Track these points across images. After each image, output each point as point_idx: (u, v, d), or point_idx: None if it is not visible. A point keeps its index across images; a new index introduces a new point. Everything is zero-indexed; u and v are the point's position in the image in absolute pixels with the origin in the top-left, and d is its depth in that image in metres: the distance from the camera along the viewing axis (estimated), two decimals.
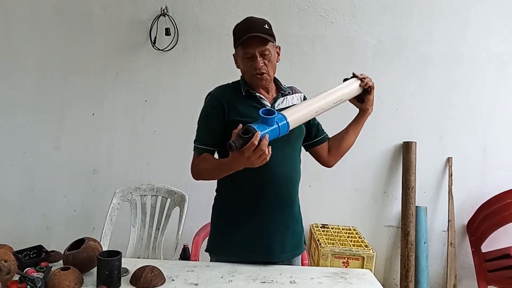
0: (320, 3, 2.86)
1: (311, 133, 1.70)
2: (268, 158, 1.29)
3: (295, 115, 1.40)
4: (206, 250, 1.68)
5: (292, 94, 1.63)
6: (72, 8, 2.86)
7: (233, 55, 1.57)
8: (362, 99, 1.64)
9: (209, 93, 1.62)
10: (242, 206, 1.58)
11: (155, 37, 2.82)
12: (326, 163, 1.76)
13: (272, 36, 1.50)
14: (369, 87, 1.60)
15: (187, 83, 2.90)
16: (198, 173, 1.57)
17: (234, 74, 2.93)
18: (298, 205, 1.67)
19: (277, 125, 1.31)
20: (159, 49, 2.84)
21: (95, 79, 2.91)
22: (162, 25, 2.81)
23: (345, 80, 1.62)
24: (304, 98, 1.66)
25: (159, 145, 2.95)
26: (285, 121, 1.35)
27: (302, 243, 1.69)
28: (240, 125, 1.29)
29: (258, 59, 1.47)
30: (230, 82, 1.64)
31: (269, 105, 1.54)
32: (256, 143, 1.24)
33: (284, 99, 1.59)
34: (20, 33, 2.88)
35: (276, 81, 1.63)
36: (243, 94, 1.55)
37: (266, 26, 1.49)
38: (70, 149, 2.96)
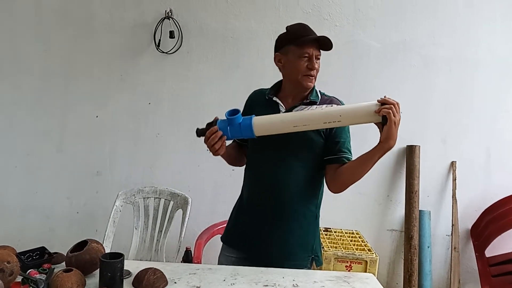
0: (324, 7, 2.86)
1: (326, 149, 1.55)
2: (219, 152, 1.47)
3: (264, 121, 1.44)
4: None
5: (322, 104, 1.55)
6: (76, 11, 2.88)
7: (276, 54, 1.56)
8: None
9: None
10: (242, 204, 1.69)
11: (159, 40, 2.82)
12: (328, 186, 1.61)
13: None
14: (385, 116, 1.31)
15: (191, 86, 2.91)
16: None
17: (238, 78, 2.95)
18: (299, 221, 1.59)
19: (238, 126, 1.43)
20: (163, 52, 2.85)
21: (98, 81, 2.92)
22: (166, 28, 2.82)
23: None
24: None
25: (163, 148, 2.95)
26: (249, 124, 1.42)
27: (299, 258, 1.60)
28: (216, 117, 1.48)
29: (314, 60, 1.50)
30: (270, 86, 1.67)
31: (284, 110, 1.55)
32: (209, 136, 1.44)
33: (305, 108, 1.54)
34: (23, 35, 2.89)
35: (312, 89, 1.59)
36: (266, 98, 1.60)
37: None
38: (73, 151, 2.96)
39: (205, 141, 1.46)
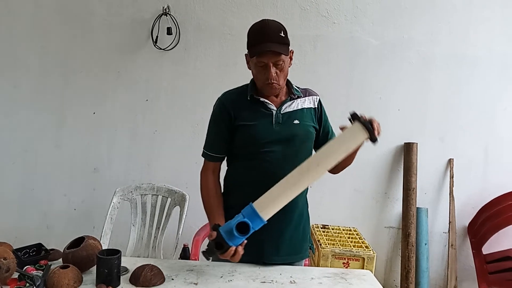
0: (322, 3, 2.86)
1: (317, 139, 1.63)
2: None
3: (272, 210, 1.33)
4: None
5: (304, 97, 1.59)
6: (74, 7, 2.86)
7: (245, 55, 1.52)
8: None
9: (218, 98, 1.63)
10: (239, 206, 1.56)
11: (157, 36, 2.81)
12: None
13: (287, 44, 1.45)
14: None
15: (188, 82, 2.90)
16: (200, 190, 1.62)
17: (235, 74, 2.94)
18: (301, 211, 1.62)
19: (252, 229, 1.30)
20: (161, 48, 2.84)
21: (96, 78, 2.91)
22: (163, 24, 2.81)
23: (353, 117, 1.31)
24: (320, 102, 1.62)
25: (160, 145, 2.95)
26: (260, 222, 1.32)
27: (303, 250, 1.65)
28: (214, 233, 1.32)
29: (271, 70, 1.43)
30: (240, 86, 1.63)
31: (275, 109, 1.53)
32: (230, 257, 1.32)
33: (292, 103, 1.56)
34: (21, 31, 2.88)
35: (288, 83, 1.60)
36: (248, 99, 1.55)
37: (282, 34, 1.43)
38: (70, 148, 2.96)
39: (224, 257, 1.34)
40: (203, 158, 1.63)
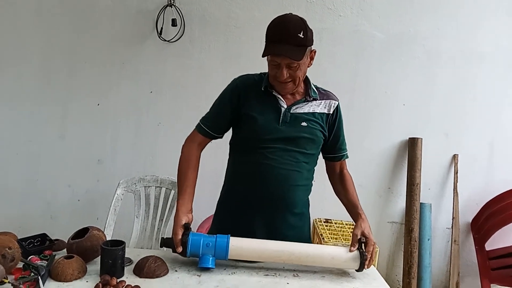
0: None
1: (327, 147, 1.63)
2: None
3: (238, 256, 1.43)
4: None
5: (321, 100, 1.55)
6: None
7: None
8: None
9: (234, 78, 1.60)
10: (236, 200, 1.60)
11: (162, 28, 2.80)
12: (328, 177, 1.80)
13: (305, 46, 1.38)
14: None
15: (193, 74, 2.89)
16: (180, 158, 1.62)
17: (239, 67, 2.92)
18: (300, 212, 1.60)
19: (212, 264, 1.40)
20: (165, 40, 2.83)
21: (100, 69, 2.90)
22: (168, 15, 2.80)
23: (361, 253, 1.47)
24: (337, 108, 1.58)
25: (164, 137, 2.95)
26: (223, 257, 1.41)
27: None
28: (180, 248, 1.39)
29: (284, 71, 1.39)
30: (259, 72, 1.59)
31: (285, 106, 1.50)
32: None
33: (305, 104, 1.52)
34: (25, 22, 2.87)
35: (307, 83, 1.55)
36: (262, 89, 1.52)
37: (301, 35, 1.34)
38: (75, 139, 2.96)
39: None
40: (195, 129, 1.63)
